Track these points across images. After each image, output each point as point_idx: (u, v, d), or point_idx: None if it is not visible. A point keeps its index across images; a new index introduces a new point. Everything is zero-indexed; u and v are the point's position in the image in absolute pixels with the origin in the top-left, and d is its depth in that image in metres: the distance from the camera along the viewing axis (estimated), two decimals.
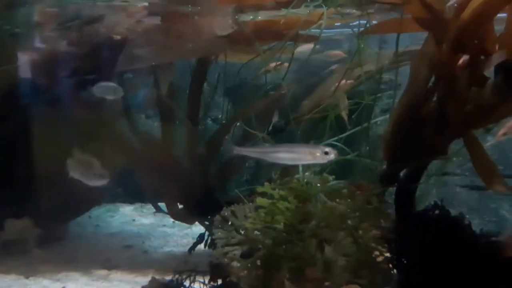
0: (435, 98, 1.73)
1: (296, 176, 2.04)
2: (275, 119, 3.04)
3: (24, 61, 2.70)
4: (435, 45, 1.62)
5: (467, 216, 3.65)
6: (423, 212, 1.55)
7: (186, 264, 1.92)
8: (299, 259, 1.98)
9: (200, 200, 2.66)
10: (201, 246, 2.79)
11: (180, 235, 3.49)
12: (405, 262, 1.37)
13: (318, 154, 1.69)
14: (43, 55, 2.70)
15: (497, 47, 1.62)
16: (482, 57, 1.66)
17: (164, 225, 3.73)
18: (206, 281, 1.67)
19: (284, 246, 1.99)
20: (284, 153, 1.75)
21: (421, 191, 3.89)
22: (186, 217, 2.86)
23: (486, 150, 1.74)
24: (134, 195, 4.30)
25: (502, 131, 2.70)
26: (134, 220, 3.99)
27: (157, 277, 1.66)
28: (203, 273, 1.70)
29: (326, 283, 1.98)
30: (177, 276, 1.61)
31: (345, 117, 2.36)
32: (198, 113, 2.73)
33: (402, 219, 1.56)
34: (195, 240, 2.84)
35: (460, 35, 1.55)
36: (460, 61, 1.69)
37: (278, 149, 1.76)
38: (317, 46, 2.42)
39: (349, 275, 1.96)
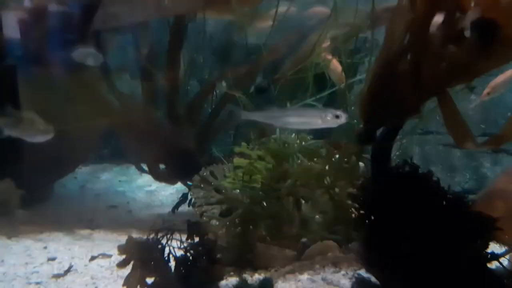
0: (410, 56, 1.72)
1: (273, 136, 2.05)
2: (258, 79, 3.02)
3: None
4: (409, 1, 1.60)
5: (449, 174, 3.73)
6: (392, 168, 1.58)
7: (164, 223, 1.95)
8: (276, 217, 2.03)
9: (181, 160, 2.67)
10: (185, 206, 2.83)
11: (166, 195, 3.53)
12: (371, 217, 1.40)
13: (328, 118, 1.64)
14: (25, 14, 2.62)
15: (472, 3, 1.60)
16: (458, 14, 1.65)
17: (150, 185, 3.76)
18: (184, 239, 1.70)
19: (261, 205, 2.03)
20: (293, 117, 1.69)
21: (404, 150, 3.96)
22: (167, 177, 2.88)
23: (458, 109, 1.76)
24: (121, 156, 4.31)
25: (486, 91, 2.71)
26: (120, 181, 4.02)
27: (134, 235, 1.69)
28: (180, 231, 1.72)
29: (303, 240, 2.04)
30: (152, 234, 1.63)
31: (337, 75, 2.33)
32: (178, 73, 2.70)
33: (372, 176, 1.58)
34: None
35: None
36: (436, 18, 1.67)
37: (287, 113, 1.70)
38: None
39: (325, 231, 2.02)
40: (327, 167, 2.07)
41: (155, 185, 3.67)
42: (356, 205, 1.46)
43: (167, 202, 3.32)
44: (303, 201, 2.09)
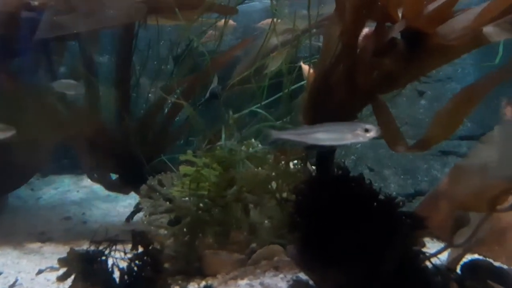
0: (343, 65, 1.78)
1: (219, 143, 2.08)
2: (213, 85, 3.05)
3: None
4: (339, 11, 1.67)
5: (402, 176, 3.83)
6: (325, 172, 1.64)
7: (107, 233, 1.95)
8: (224, 223, 2.06)
9: (132, 169, 2.67)
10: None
11: (124, 205, 3.50)
12: (301, 220, 1.45)
13: (358, 132, 1.55)
14: None
15: (399, 14, 1.68)
16: (387, 24, 1.72)
17: (108, 195, 3.72)
18: (128, 250, 1.70)
19: (209, 212, 2.06)
20: (323, 133, 1.61)
21: (358, 154, 4.05)
22: (120, 187, 2.87)
23: (392, 114, 1.83)
24: (80, 166, 4.24)
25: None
26: (78, 191, 3.96)
27: (76, 248, 1.68)
28: (125, 242, 1.73)
29: (252, 245, 2.08)
30: (93, 246, 1.62)
31: None
32: (128, 82, 2.70)
33: (307, 180, 1.63)
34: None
35: (361, 0, 1.59)
36: (366, 29, 1.75)
37: (317, 130, 1.62)
38: None
39: (272, 236, 2.06)
40: (273, 173, 2.11)
41: (113, 195, 3.64)
42: (291, 209, 1.50)
43: (124, 212, 3.30)
44: (252, 207, 2.12)
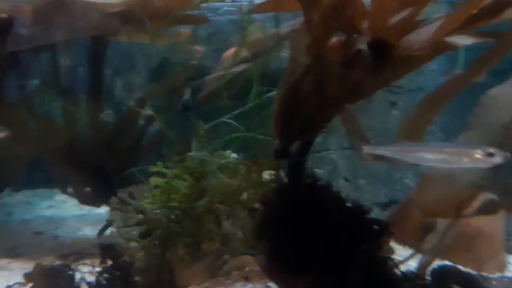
0: (312, 76, 1.81)
1: (190, 154, 2.08)
2: (186, 96, 3.05)
3: None
4: (307, 24, 1.70)
5: (376, 185, 3.88)
6: (292, 181, 1.65)
7: (73, 248, 1.92)
8: (196, 235, 2.05)
9: (105, 182, 2.64)
10: None
11: (98, 218, 3.45)
12: (269, 230, 1.45)
13: (478, 156, 1.31)
14: None
15: (365, 25, 1.72)
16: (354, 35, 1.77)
17: (82, 209, 3.66)
18: (97, 264, 1.68)
19: (181, 224, 2.04)
20: (431, 153, 1.37)
21: (333, 164, 4.10)
22: (92, 200, 2.83)
23: (359, 124, 1.86)
24: (54, 181, 4.17)
25: None
26: (50, 205, 3.89)
27: (44, 262, 1.65)
28: (94, 256, 1.70)
29: (225, 256, 2.07)
30: (59, 260, 1.60)
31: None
32: (100, 95, 2.68)
33: (275, 190, 1.64)
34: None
35: (329, 13, 1.63)
36: (334, 40, 1.78)
37: (423, 148, 1.40)
38: None
39: (244, 247, 2.06)
40: (245, 183, 2.12)
41: (86, 208, 3.58)
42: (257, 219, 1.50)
43: (98, 226, 3.25)
44: (224, 218, 2.12)
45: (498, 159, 1.31)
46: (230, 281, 1.77)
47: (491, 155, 1.31)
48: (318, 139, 3.68)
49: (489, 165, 1.32)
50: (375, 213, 3.77)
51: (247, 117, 2.33)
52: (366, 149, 1.50)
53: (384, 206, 3.70)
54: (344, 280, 1.37)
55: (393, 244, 2.65)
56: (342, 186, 3.83)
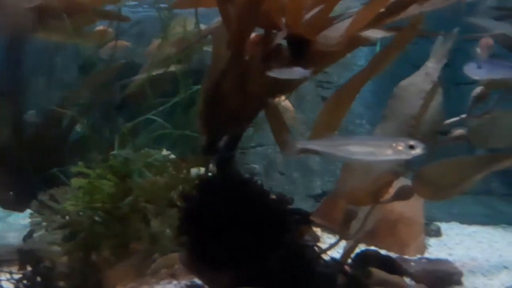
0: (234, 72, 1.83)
1: (113, 152, 2.03)
2: (115, 95, 2.97)
3: None
4: (224, 20, 1.72)
5: (310, 178, 3.98)
6: (216, 176, 1.66)
7: None
8: (122, 235, 2.00)
9: (27, 186, 2.52)
10: None
11: (24, 223, 3.28)
12: (189, 225, 1.46)
13: (400, 148, 1.36)
14: None
15: (283, 21, 1.76)
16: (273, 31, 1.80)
17: (9, 216, 3.46)
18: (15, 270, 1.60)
19: (106, 225, 1.99)
20: (357, 147, 1.41)
21: (269, 159, 4.17)
22: (15, 204, 2.70)
23: (283, 119, 1.91)
24: None
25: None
26: None
27: None
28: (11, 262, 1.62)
29: (155, 255, 2.04)
30: None
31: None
32: (21, 95, 2.55)
33: (196, 185, 1.65)
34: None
35: (244, 8, 1.65)
36: (254, 36, 1.81)
37: (350, 142, 1.42)
38: None
39: (173, 244, 2.04)
40: (173, 181, 2.10)
41: (12, 213, 3.40)
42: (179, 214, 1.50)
43: (24, 231, 3.09)
44: (153, 216, 2.09)
45: (418, 151, 1.37)
46: (156, 279, 1.75)
47: (412, 147, 1.37)
48: (252, 134, 3.75)
49: (410, 156, 1.38)
50: (310, 205, 3.89)
51: (178, 114, 2.32)
52: (299, 144, 1.52)
53: (318, 197, 3.82)
54: (264, 270, 1.40)
55: (323, 233, 2.76)
56: (277, 180, 3.92)
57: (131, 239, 2.02)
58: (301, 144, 1.52)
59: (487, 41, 2.32)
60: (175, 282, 1.68)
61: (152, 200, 2.06)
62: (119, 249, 1.98)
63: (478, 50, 2.19)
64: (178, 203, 1.64)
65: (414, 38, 4.12)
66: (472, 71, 1.52)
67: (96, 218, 1.99)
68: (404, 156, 1.37)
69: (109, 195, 1.97)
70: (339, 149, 1.42)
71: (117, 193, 1.99)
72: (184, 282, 1.66)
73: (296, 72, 1.55)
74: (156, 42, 2.35)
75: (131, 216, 2.01)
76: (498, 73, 1.53)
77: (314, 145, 1.50)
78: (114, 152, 2.02)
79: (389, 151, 1.37)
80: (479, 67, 1.49)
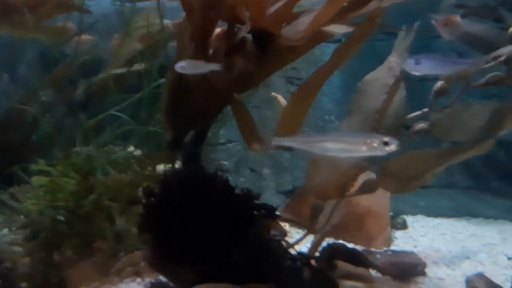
0: None
1: (75, 149, 1.98)
2: (79, 92, 2.90)
3: None
4: (187, 13, 1.69)
5: (280, 174, 3.99)
6: (180, 172, 1.64)
7: None
8: (85, 234, 1.96)
9: None
10: None
11: None
12: (152, 221, 1.44)
13: (375, 145, 1.36)
14: None
15: (247, 14, 1.75)
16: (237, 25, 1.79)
17: None
18: None
19: (69, 224, 1.95)
20: (333, 143, 1.40)
21: (240, 156, 4.16)
22: None
23: (250, 114, 1.90)
24: None
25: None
26: None
27: None
28: None
29: (121, 253, 2.00)
30: None
31: None
32: None
33: (159, 181, 1.62)
34: None
35: (208, 2, 1.63)
36: (219, 29, 1.80)
37: (326, 138, 1.42)
38: None
39: (139, 242, 2.01)
40: (138, 178, 2.07)
41: None
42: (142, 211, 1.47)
43: None
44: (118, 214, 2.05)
45: (392, 147, 1.37)
46: (119, 278, 1.72)
47: (386, 143, 1.37)
48: (221, 130, 3.72)
49: (385, 153, 1.38)
50: (280, 201, 3.90)
51: (144, 109, 2.28)
52: (274, 141, 1.50)
53: (288, 193, 3.83)
54: (228, 265, 1.40)
55: (292, 227, 2.77)
56: (248, 176, 3.91)
57: (95, 238, 1.98)
58: (277, 140, 1.51)
59: (450, 18, 2.30)
60: (139, 280, 1.66)
61: (116, 198, 2.02)
62: (83, 248, 1.93)
63: (434, 20, 2.17)
64: (142, 200, 1.60)
65: (381, 35, 4.17)
66: (411, 66, 1.52)
67: (59, 217, 1.94)
68: (378, 152, 1.38)
69: (71, 193, 1.93)
70: (314, 146, 1.43)
71: (80, 191, 1.95)
72: (148, 279, 1.64)
73: (204, 66, 1.55)
74: (117, 37, 2.30)
75: (94, 215, 1.97)
76: (438, 69, 1.55)
77: (289, 142, 1.49)
78: (76, 149, 1.96)
79: (364, 148, 1.38)
80: (417, 63, 1.50)
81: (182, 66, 1.62)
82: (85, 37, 2.62)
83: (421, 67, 1.53)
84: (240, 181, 3.74)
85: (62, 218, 1.93)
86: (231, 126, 3.54)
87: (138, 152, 2.32)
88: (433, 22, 2.14)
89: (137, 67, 2.35)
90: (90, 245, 1.95)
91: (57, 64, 3.00)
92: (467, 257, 2.46)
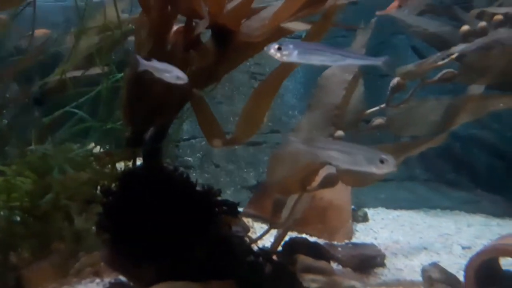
0: None
1: (30, 147, 1.92)
2: (35, 88, 2.79)
3: None
4: (144, 8, 1.67)
5: (246, 170, 4.00)
6: (139, 169, 1.62)
7: None
8: (42, 235, 1.91)
9: None
10: None
11: None
12: (109, 221, 1.41)
13: (377, 162, 1.33)
14: None
15: (206, 9, 1.74)
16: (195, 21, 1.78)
17: None
18: None
19: (25, 224, 1.89)
20: (338, 153, 1.38)
21: (204, 151, 4.13)
22: None
23: (210, 109, 1.89)
24: None
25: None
26: None
27: None
28: None
29: (80, 253, 1.96)
30: None
31: None
32: None
33: (117, 179, 1.60)
34: None
35: None
36: (178, 25, 1.78)
37: (331, 147, 1.40)
38: None
39: (99, 241, 1.97)
40: (97, 176, 2.02)
41: None
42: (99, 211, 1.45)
43: None
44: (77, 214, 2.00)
45: (386, 170, 1.34)
46: (77, 278, 1.68)
47: (382, 162, 1.35)
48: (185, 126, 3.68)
49: (382, 172, 1.36)
50: (245, 196, 3.90)
51: (104, 106, 2.23)
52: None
53: (253, 188, 3.85)
54: (188, 262, 1.39)
55: (256, 223, 2.78)
56: (212, 172, 3.91)
57: (53, 238, 1.93)
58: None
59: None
60: (98, 280, 1.63)
61: (75, 197, 1.98)
62: (40, 249, 1.88)
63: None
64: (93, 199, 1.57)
65: (344, 32, 4.21)
66: (272, 52, 1.37)
67: (14, 218, 1.88)
68: (375, 171, 1.34)
69: (27, 193, 1.87)
70: (322, 154, 1.41)
71: (36, 191, 1.89)
72: (107, 280, 1.61)
73: (170, 71, 1.53)
74: (73, 32, 2.23)
75: (52, 214, 1.92)
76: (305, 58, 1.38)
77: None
78: (31, 147, 1.90)
79: (365, 164, 1.35)
80: (279, 49, 1.33)
81: (145, 64, 1.58)
82: (41, 31, 2.52)
83: (284, 54, 1.34)
84: (205, 177, 3.72)
85: (18, 219, 1.87)
86: (195, 122, 3.51)
87: (98, 150, 2.27)
88: (377, 13, 2.17)
89: (96, 70, 2.28)
90: (47, 246, 1.90)
91: (11, 59, 2.89)
92: (424, 248, 2.54)
